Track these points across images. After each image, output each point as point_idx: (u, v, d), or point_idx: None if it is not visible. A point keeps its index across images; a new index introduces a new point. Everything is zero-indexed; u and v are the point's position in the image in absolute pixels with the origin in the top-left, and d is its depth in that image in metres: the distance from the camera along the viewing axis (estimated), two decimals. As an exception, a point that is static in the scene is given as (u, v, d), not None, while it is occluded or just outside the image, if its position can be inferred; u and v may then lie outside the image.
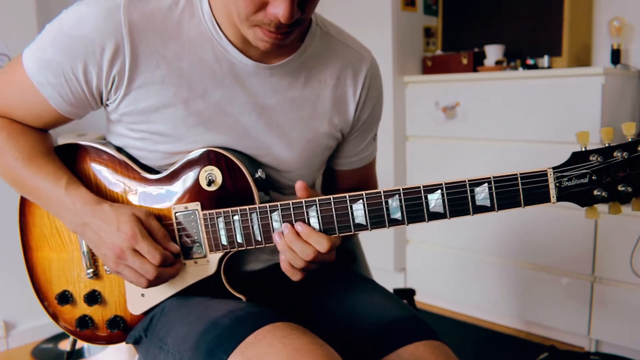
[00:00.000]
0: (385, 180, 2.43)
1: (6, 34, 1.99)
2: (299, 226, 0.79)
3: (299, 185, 0.80)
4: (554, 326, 2.11)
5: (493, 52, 2.23)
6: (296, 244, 0.78)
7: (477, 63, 2.30)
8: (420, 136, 2.42)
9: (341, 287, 0.96)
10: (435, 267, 2.43)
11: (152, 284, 0.82)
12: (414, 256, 2.51)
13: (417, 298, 2.07)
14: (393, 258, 2.51)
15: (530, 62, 2.11)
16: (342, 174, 1.04)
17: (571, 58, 2.11)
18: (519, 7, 2.24)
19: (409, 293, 1.72)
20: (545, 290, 2.09)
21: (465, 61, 2.32)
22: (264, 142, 0.89)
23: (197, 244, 0.86)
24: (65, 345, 2.13)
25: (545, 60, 2.09)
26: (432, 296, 2.50)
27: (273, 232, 0.81)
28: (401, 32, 2.41)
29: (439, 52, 2.50)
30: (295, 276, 0.82)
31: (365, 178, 1.07)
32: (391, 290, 1.27)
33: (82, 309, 0.92)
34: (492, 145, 2.18)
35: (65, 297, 0.92)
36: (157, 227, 0.83)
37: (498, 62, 2.21)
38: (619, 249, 1.86)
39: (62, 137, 2.13)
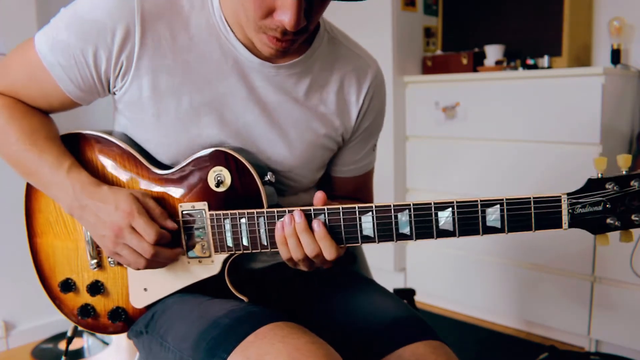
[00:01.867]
0: (385, 180, 2.44)
1: (6, 34, 1.99)
2: (315, 224, 0.78)
3: (318, 196, 0.79)
4: (554, 326, 2.11)
5: (493, 52, 2.23)
6: (305, 237, 0.77)
7: (477, 63, 2.30)
8: (420, 136, 2.42)
9: (341, 287, 0.96)
10: (435, 267, 2.43)
11: (150, 264, 0.82)
12: (414, 256, 2.50)
13: (417, 298, 2.06)
14: (393, 258, 2.51)
15: (530, 62, 2.11)
16: (338, 181, 1.03)
17: (571, 58, 2.11)
18: (519, 7, 2.24)
19: (409, 293, 1.72)
20: (545, 290, 2.09)
21: (465, 61, 2.32)
22: (263, 140, 0.89)
23: (203, 244, 0.85)
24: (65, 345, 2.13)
25: (545, 60, 2.09)
26: (432, 296, 2.50)
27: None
28: (401, 32, 2.41)
29: (439, 52, 2.50)
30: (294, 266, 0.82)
31: (361, 187, 1.06)
32: (391, 290, 1.27)
33: (85, 298, 0.93)
34: (492, 145, 2.18)
35: (68, 285, 0.93)
36: (153, 205, 0.83)
37: (498, 62, 2.21)
38: (619, 249, 1.86)
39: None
